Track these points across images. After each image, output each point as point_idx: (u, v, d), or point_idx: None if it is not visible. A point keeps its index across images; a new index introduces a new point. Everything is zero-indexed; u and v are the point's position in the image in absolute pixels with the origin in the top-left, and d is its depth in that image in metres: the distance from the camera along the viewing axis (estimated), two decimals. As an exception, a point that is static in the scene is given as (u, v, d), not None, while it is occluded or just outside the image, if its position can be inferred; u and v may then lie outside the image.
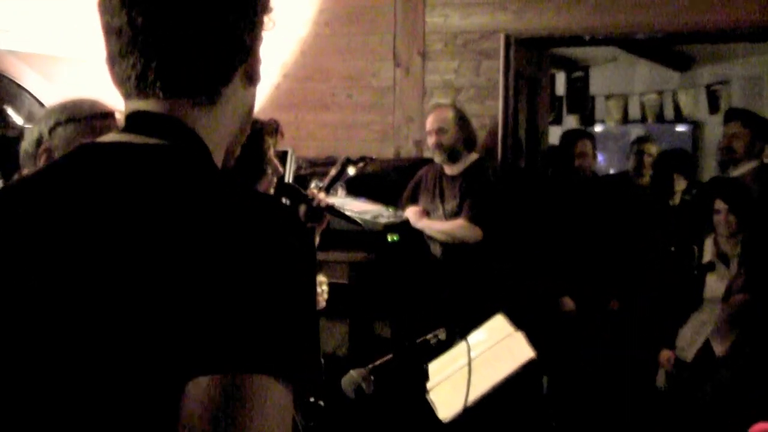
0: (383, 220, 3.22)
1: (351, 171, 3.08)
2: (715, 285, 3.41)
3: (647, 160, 4.34)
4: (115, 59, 0.87)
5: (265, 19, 0.91)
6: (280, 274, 0.75)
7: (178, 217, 0.77)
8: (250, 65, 0.91)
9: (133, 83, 0.86)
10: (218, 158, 0.92)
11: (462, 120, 3.66)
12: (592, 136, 4.35)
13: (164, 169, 0.83)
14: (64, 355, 0.76)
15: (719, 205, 3.39)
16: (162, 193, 0.80)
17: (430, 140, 3.63)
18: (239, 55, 0.89)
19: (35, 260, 0.80)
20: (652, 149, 4.40)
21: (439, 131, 3.60)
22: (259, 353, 0.71)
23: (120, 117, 1.57)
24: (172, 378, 0.71)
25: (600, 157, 4.59)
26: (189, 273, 0.73)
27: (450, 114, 3.65)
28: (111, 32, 0.86)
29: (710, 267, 3.44)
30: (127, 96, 0.89)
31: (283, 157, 2.56)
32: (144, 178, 0.82)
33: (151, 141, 0.85)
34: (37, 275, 0.79)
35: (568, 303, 3.86)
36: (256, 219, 0.78)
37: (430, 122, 3.66)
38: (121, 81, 0.88)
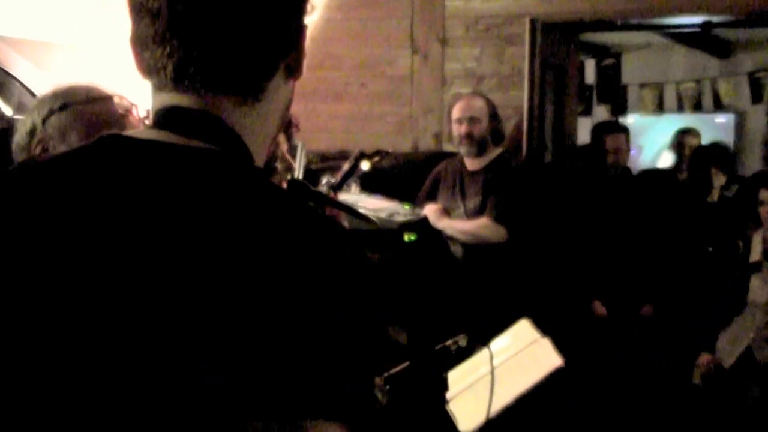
0: (399, 219, 3.22)
1: (365, 166, 3.07)
2: (759, 289, 3.37)
3: (688, 154, 4.31)
4: (146, 44, 0.82)
5: (308, 6, 0.88)
6: (343, 311, 0.73)
7: (229, 236, 0.73)
8: (295, 56, 0.87)
9: (170, 74, 0.82)
10: (260, 161, 0.89)
11: (494, 111, 3.66)
12: (625, 129, 4.33)
13: (211, 177, 0.78)
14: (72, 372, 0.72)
15: (765, 194, 3.35)
16: (208, 208, 0.75)
17: (459, 130, 3.61)
18: (286, 45, 0.85)
19: (53, 268, 0.74)
20: (693, 142, 4.37)
21: (471, 121, 3.58)
22: (318, 398, 0.70)
23: (121, 102, 1.57)
24: (213, 421, 0.68)
25: (632, 151, 4.56)
26: (239, 304, 0.70)
27: (482, 103, 3.64)
28: (144, 12, 0.81)
29: (756, 267, 3.40)
30: (159, 87, 0.84)
31: (292, 151, 2.56)
32: (188, 186, 0.77)
33: (193, 143, 0.81)
34: (55, 281, 0.73)
35: (599, 307, 3.84)
36: (318, 247, 0.75)
37: (459, 110, 3.64)
38: (152, 70, 0.83)
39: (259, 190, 0.81)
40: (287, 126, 2.42)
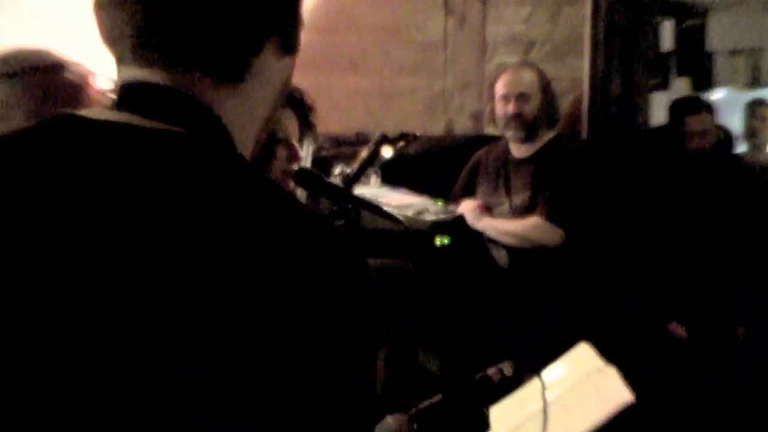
0: (430, 218, 3.22)
1: (387, 152, 3.07)
2: None
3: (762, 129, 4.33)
4: (106, 6, 0.83)
5: None
6: (332, 325, 0.74)
7: (201, 235, 0.73)
8: (289, 26, 0.88)
9: (130, 43, 0.82)
10: (246, 150, 0.89)
11: (547, 86, 3.66)
12: (709, 107, 4.30)
13: (179, 167, 0.77)
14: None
15: None
16: (177, 203, 0.75)
17: (504, 109, 3.61)
18: (276, 11, 0.86)
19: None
20: None
21: (520, 98, 3.59)
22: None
23: (77, 71, 1.58)
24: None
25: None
26: (206, 315, 0.70)
27: (533, 75, 3.64)
28: None
29: None
30: (121, 60, 0.84)
31: (303, 137, 2.58)
32: (152, 177, 0.76)
33: (158, 125, 0.80)
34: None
35: (678, 330, 3.82)
36: (309, 255, 0.75)
37: (505, 85, 3.64)
38: (112, 38, 0.83)
39: (241, 184, 0.79)
40: (300, 106, 2.43)
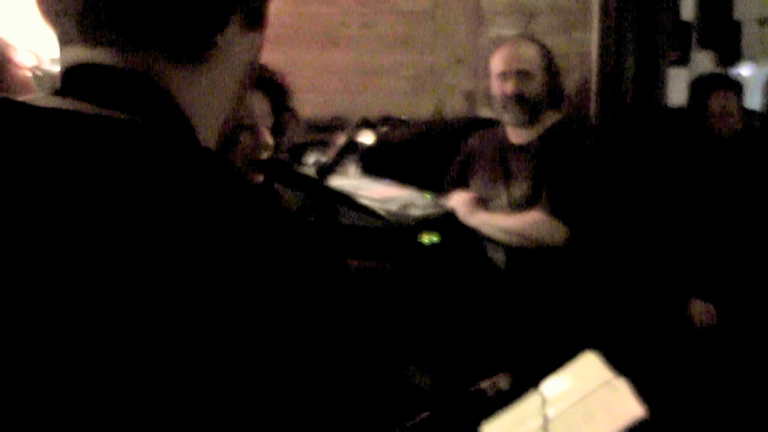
0: (416, 213, 3.24)
1: (368, 139, 3.11)
2: None
3: None
4: None
5: None
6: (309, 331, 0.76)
7: (151, 235, 0.73)
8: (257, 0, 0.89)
9: (76, 20, 0.82)
10: (210, 139, 0.90)
11: (550, 61, 3.66)
12: (737, 85, 4.34)
13: (132, 161, 0.77)
14: None
15: None
16: (130, 200, 0.74)
17: (503, 88, 3.61)
18: None
19: None
20: None
21: (521, 75, 3.58)
22: None
23: (22, 61, 1.60)
24: None
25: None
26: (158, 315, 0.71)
27: (535, 50, 3.64)
28: None
29: None
30: (64, 39, 0.85)
31: (279, 125, 2.60)
32: (101, 173, 0.75)
33: (109, 113, 0.80)
34: None
35: (702, 309, 3.85)
36: (278, 255, 0.76)
37: (504, 61, 3.64)
38: (54, 13, 0.84)
39: (200, 180, 0.79)
40: (272, 87, 2.46)
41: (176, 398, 0.70)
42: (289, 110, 2.59)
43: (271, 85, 2.46)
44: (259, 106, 2.43)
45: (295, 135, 2.75)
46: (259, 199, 0.82)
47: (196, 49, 0.85)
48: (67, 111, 0.80)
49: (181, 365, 0.70)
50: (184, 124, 0.85)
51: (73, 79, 0.83)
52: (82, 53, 0.83)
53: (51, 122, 0.78)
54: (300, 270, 0.77)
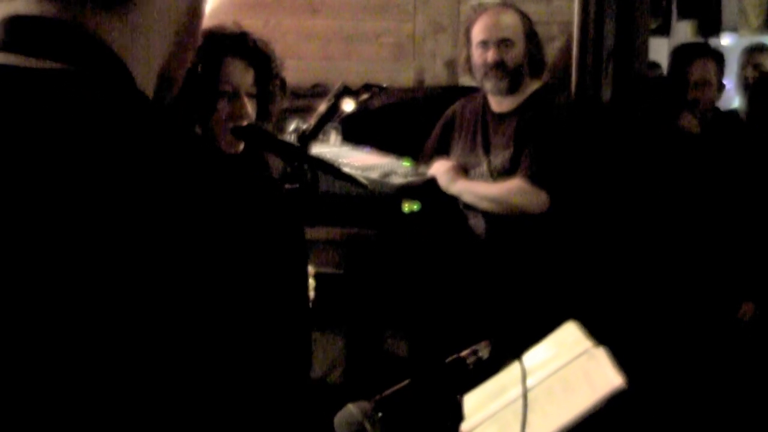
0: (397, 181, 3.23)
1: (349, 106, 3.07)
2: None
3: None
4: None
5: None
6: (252, 278, 0.78)
7: (96, 194, 0.75)
8: None
9: None
10: (147, 85, 0.91)
11: (532, 30, 3.66)
12: (717, 54, 4.33)
13: (75, 110, 0.79)
14: None
15: None
16: (68, 155, 0.76)
17: (483, 56, 3.60)
18: None
19: None
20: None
21: (502, 43, 3.58)
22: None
23: None
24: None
25: (729, 85, 4.58)
26: (116, 276, 0.73)
27: (515, 18, 3.63)
28: None
29: None
30: None
31: (266, 96, 2.58)
32: (40, 127, 0.78)
33: (44, 65, 0.82)
34: None
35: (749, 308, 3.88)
36: (218, 194, 0.79)
37: (485, 29, 3.63)
38: None
39: (138, 122, 0.81)
40: (253, 55, 2.42)
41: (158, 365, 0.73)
42: (276, 78, 2.56)
43: (254, 55, 2.44)
44: (241, 75, 2.40)
45: (282, 104, 2.73)
46: (197, 148, 0.84)
47: None
48: (8, 66, 0.81)
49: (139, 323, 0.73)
50: (120, 70, 0.85)
51: (8, 32, 0.84)
52: (11, 5, 0.84)
53: None
54: (276, 239, 0.81)
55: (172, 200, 0.76)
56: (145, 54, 0.89)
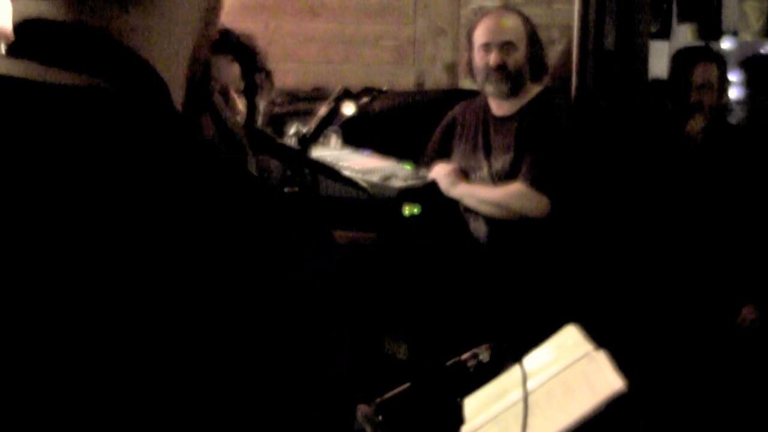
0: (398, 184, 3.23)
1: (349, 109, 3.08)
2: None
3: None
4: None
5: None
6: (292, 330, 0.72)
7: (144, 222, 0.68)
8: None
9: None
10: (178, 93, 0.84)
11: (534, 34, 3.66)
12: (719, 58, 4.33)
13: (107, 140, 0.71)
14: None
15: None
16: (107, 183, 0.69)
17: (486, 59, 3.60)
18: None
19: None
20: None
21: (504, 47, 3.58)
22: None
23: None
24: None
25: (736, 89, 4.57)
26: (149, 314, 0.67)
27: (518, 21, 3.64)
28: None
29: None
30: None
31: (251, 89, 2.58)
32: (75, 157, 0.70)
33: (70, 79, 0.75)
34: None
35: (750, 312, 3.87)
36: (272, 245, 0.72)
37: (487, 32, 3.63)
38: None
39: (183, 152, 0.75)
40: (239, 50, 2.43)
41: (162, 377, 0.67)
42: (262, 71, 2.56)
43: (238, 49, 2.44)
44: (227, 70, 2.41)
45: (270, 96, 2.73)
46: (242, 179, 0.77)
47: None
48: (35, 82, 0.74)
49: (158, 339, 0.67)
50: (156, 87, 0.80)
51: (24, 36, 0.78)
52: (32, 6, 0.78)
53: (23, 96, 0.74)
54: (283, 247, 0.74)
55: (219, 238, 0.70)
56: (171, 55, 0.83)
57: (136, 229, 0.68)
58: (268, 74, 2.58)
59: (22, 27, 0.78)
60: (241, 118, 2.40)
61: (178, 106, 0.85)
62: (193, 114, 0.90)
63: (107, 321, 0.66)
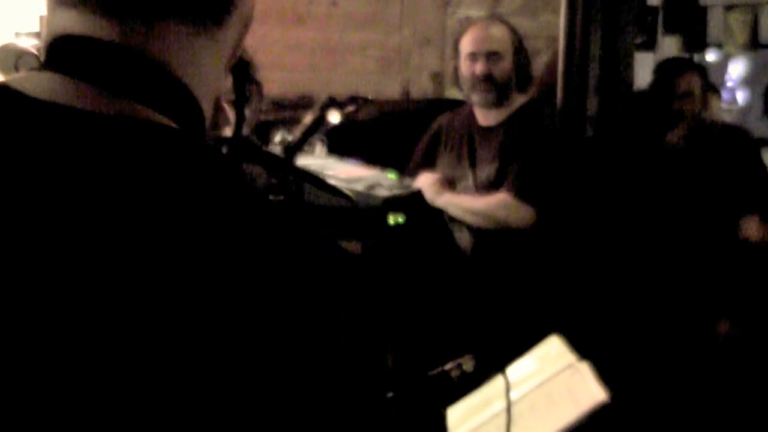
0: (383, 193, 3.23)
1: (335, 118, 3.08)
2: None
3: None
4: None
5: None
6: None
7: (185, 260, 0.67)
8: None
9: None
10: (208, 116, 0.83)
11: (520, 44, 3.68)
12: (701, 69, 4.36)
13: (169, 184, 0.69)
14: None
15: None
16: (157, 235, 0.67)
17: (472, 69, 3.61)
18: None
19: None
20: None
21: (491, 56, 3.60)
22: None
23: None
24: None
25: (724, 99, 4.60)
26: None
27: (504, 31, 3.65)
28: None
29: None
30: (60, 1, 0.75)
31: (242, 98, 2.58)
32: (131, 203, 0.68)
33: (155, 117, 0.73)
34: None
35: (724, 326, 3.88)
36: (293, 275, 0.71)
37: (473, 42, 3.64)
38: None
39: (228, 196, 0.72)
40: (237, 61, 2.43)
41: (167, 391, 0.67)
42: (253, 82, 2.56)
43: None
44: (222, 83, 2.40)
45: (259, 108, 2.73)
46: (271, 209, 0.78)
47: (217, 11, 0.78)
48: (74, 110, 0.71)
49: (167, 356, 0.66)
50: (196, 121, 0.77)
51: (66, 53, 0.74)
52: (76, 21, 0.74)
53: (55, 118, 0.71)
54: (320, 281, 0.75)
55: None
56: (216, 79, 0.82)
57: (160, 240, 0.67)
58: (258, 85, 2.57)
59: (66, 41, 0.74)
60: (230, 130, 2.39)
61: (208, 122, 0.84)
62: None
63: (109, 323, 0.66)
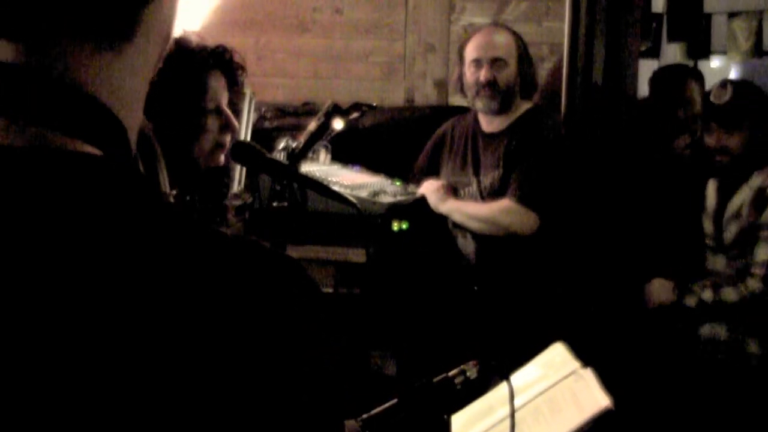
0: (387, 200, 3.23)
1: (338, 125, 3.09)
2: None
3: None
4: None
5: None
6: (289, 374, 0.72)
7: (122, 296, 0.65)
8: None
9: None
10: (132, 135, 0.78)
11: (524, 50, 3.67)
12: (699, 75, 4.36)
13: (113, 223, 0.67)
14: None
15: None
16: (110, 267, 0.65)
17: (476, 75, 3.61)
18: None
19: None
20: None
21: (495, 63, 3.59)
22: None
23: None
24: None
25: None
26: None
27: (508, 38, 3.64)
28: None
29: None
30: None
31: (233, 104, 2.58)
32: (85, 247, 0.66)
33: (71, 144, 0.69)
34: None
35: (661, 286, 3.82)
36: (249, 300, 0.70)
37: (478, 48, 3.64)
38: None
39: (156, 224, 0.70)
40: (228, 67, 2.42)
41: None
42: (238, 84, 2.54)
43: (230, 67, 2.42)
44: (222, 90, 2.39)
45: (256, 116, 2.73)
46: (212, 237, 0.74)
47: (125, 25, 0.73)
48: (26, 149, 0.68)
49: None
50: (121, 146, 0.74)
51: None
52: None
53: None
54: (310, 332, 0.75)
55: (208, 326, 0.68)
56: (136, 95, 0.78)
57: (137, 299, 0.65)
58: (241, 87, 2.56)
59: None
60: (234, 135, 2.39)
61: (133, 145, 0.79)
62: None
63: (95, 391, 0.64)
